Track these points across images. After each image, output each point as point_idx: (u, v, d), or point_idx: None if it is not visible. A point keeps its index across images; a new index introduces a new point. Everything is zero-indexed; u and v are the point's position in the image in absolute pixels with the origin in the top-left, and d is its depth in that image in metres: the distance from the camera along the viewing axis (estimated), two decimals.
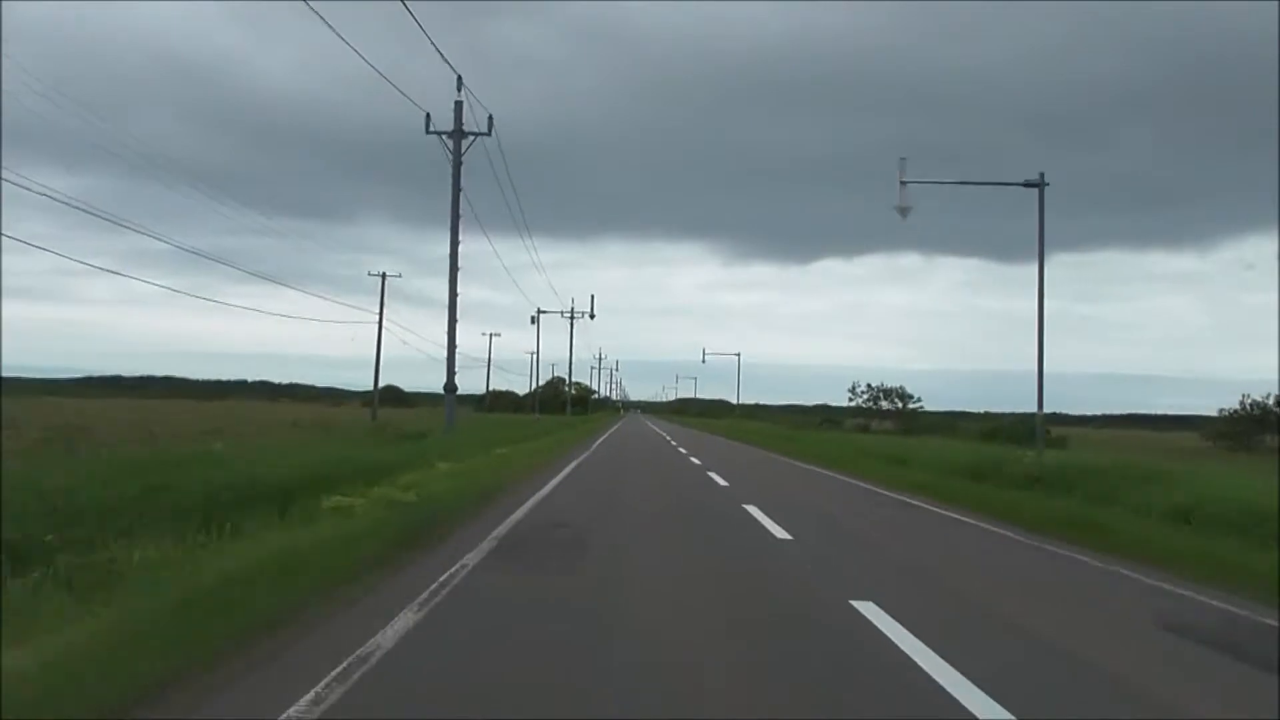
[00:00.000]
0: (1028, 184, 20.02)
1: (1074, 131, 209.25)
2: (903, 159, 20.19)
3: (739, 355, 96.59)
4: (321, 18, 16.88)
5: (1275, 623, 7.04)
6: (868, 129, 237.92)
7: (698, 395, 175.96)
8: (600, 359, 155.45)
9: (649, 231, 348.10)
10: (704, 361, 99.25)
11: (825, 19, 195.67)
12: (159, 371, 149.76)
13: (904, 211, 20.15)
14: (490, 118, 26.96)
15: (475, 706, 4.57)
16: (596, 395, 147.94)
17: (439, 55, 36.19)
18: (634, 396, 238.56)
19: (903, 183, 20.10)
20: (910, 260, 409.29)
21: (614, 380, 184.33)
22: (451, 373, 28.13)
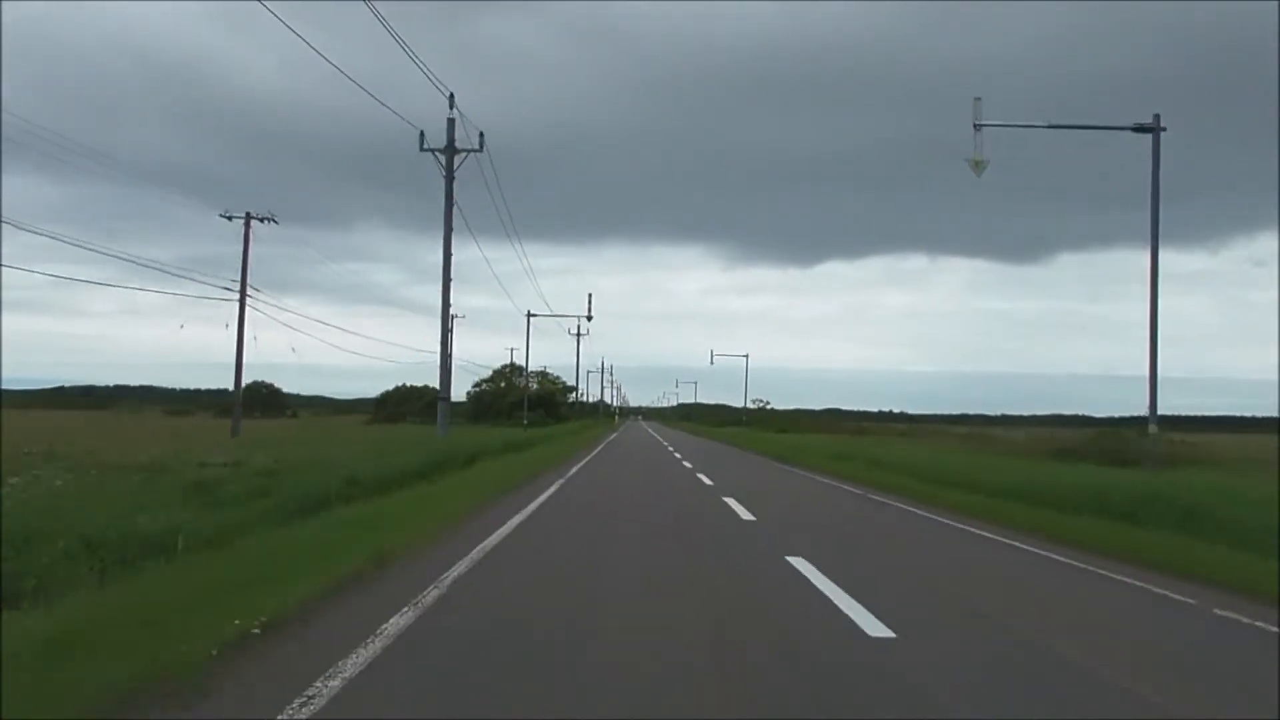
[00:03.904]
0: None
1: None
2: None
3: None
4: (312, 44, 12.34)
5: None
6: (869, 127, 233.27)
7: (701, 399, 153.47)
8: (580, 331, 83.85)
9: (648, 235, 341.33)
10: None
11: (825, 15, 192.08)
12: (155, 382, 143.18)
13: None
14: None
15: None
16: (580, 396, 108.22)
17: (435, 57, 33.14)
18: (634, 402, 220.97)
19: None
20: (915, 262, 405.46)
21: (604, 371, 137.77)
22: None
